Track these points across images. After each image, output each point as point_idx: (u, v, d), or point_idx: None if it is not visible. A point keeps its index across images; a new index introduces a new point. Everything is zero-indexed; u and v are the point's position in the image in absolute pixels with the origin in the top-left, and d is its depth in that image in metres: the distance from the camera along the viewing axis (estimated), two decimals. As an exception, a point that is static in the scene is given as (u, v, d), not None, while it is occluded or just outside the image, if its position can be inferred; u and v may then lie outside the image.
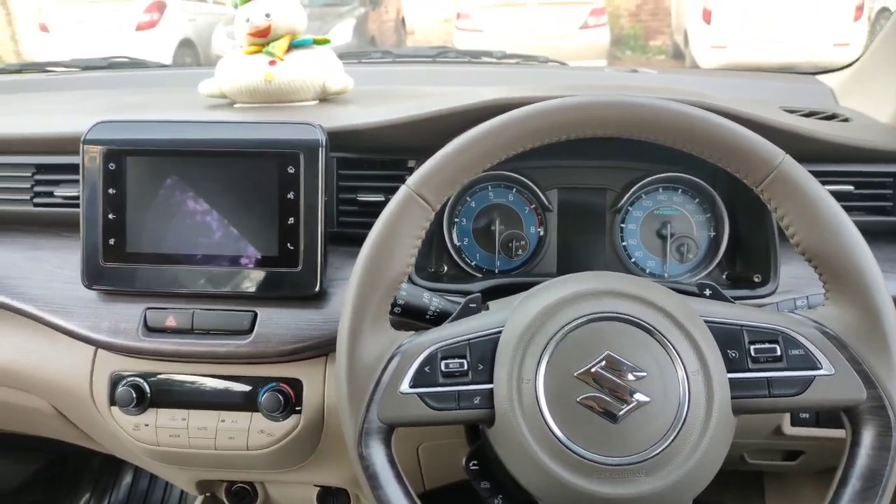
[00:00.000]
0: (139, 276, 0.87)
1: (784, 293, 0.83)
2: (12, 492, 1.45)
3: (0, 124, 1.02)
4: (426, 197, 0.65)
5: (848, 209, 0.63)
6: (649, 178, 0.94)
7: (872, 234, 0.67)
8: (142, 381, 0.89)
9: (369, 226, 0.87)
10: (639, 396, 0.60)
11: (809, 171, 0.63)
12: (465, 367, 0.63)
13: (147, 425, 0.89)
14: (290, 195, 0.85)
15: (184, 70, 1.71)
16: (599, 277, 0.67)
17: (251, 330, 0.85)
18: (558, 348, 0.61)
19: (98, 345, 0.89)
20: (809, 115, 0.98)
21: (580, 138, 0.66)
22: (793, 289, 0.84)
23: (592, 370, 0.60)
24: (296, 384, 0.88)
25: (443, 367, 0.63)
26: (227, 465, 0.94)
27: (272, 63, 1.01)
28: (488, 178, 0.97)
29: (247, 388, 0.88)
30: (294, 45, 1.03)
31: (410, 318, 0.77)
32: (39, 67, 1.55)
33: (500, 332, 0.64)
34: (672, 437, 0.59)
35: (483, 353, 0.63)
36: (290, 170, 0.85)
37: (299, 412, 0.88)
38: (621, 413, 0.59)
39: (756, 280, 0.86)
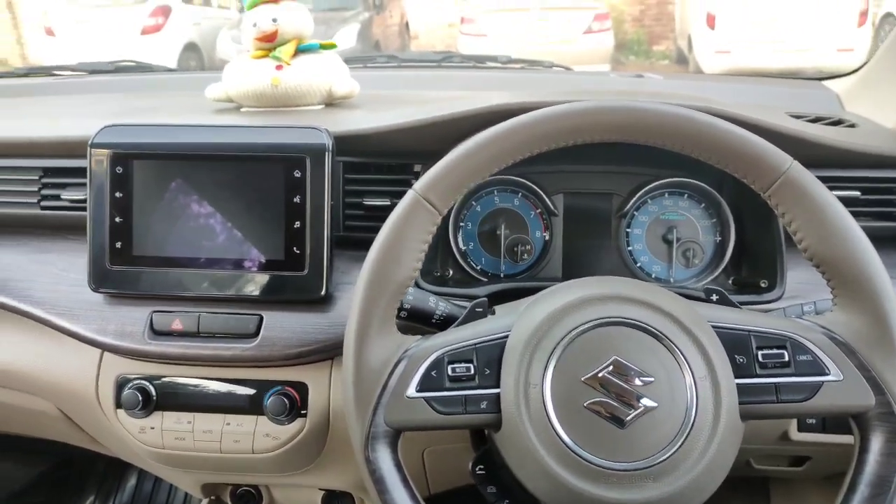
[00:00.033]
0: (145, 279, 0.87)
1: (790, 299, 0.83)
2: (17, 494, 1.45)
3: (8, 128, 1.02)
4: (433, 201, 0.65)
5: (854, 215, 0.63)
6: (655, 183, 0.95)
7: (879, 240, 0.67)
8: (148, 384, 0.89)
9: (375, 230, 0.87)
10: (646, 402, 0.59)
11: (816, 177, 0.63)
12: (472, 372, 0.63)
13: (153, 428, 0.89)
14: (297, 199, 0.85)
15: (190, 74, 1.72)
16: (606, 282, 0.67)
17: (257, 333, 0.86)
18: (565, 353, 0.61)
19: (104, 348, 0.89)
20: (815, 120, 0.98)
21: (587, 143, 0.66)
22: (799, 294, 0.84)
23: (600, 375, 0.60)
24: (301, 388, 0.88)
25: (449, 372, 0.63)
26: (232, 468, 0.94)
27: (279, 68, 1.01)
28: (494, 182, 0.97)
29: (252, 391, 0.88)
30: (301, 50, 1.03)
31: (416, 322, 0.77)
32: (46, 71, 1.56)
33: (506, 336, 0.64)
34: (680, 443, 0.59)
35: (490, 358, 0.63)
36: (297, 174, 0.85)
37: (305, 416, 0.88)
38: (629, 418, 0.59)
39: (763, 285, 0.86)
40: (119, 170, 0.87)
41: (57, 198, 0.96)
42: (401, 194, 0.89)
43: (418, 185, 0.66)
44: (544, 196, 0.96)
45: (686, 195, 0.96)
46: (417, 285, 0.84)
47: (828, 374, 0.61)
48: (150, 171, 0.87)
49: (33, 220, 0.98)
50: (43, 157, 0.97)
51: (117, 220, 0.87)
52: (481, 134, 0.66)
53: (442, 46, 8.44)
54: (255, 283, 0.86)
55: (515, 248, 0.96)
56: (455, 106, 0.89)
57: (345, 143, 0.88)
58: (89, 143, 0.87)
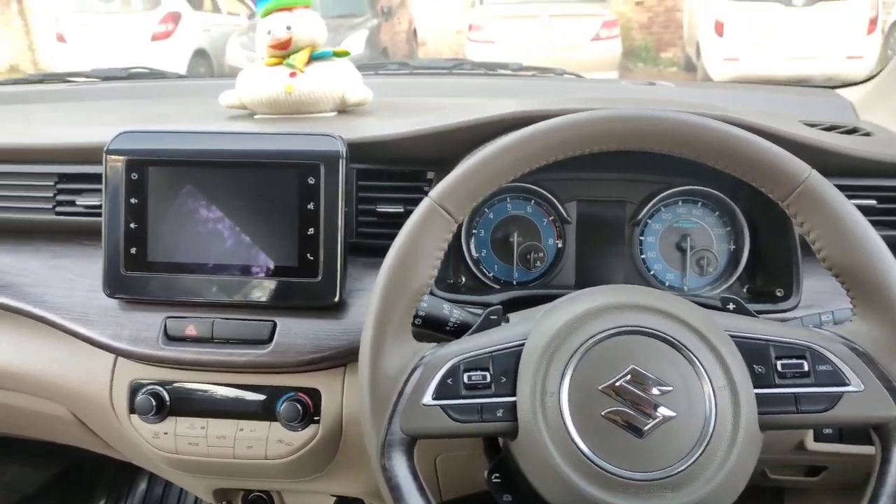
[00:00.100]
0: (160, 285, 0.88)
1: (805, 308, 0.83)
2: (29, 498, 1.46)
3: (24, 134, 1.03)
4: (449, 209, 0.65)
5: (871, 224, 0.63)
6: (669, 191, 0.94)
7: (896, 249, 0.67)
8: (161, 389, 0.89)
9: (388, 237, 0.87)
10: (664, 411, 0.59)
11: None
12: (488, 380, 0.63)
13: (166, 433, 0.89)
14: (311, 206, 0.85)
15: (202, 81, 1.73)
16: (623, 291, 0.67)
17: (271, 339, 0.86)
18: (582, 362, 0.61)
19: (118, 353, 0.89)
20: (830, 128, 0.98)
21: (603, 151, 0.66)
22: (815, 303, 0.83)
23: (617, 384, 0.60)
24: (314, 394, 0.88)
25: (465, 380, 0.63)
26: (245, 473, 0.94)
27: (293, 75, 1.02)
28: (507, 189, 0.97)
29: (265, 397, 0.89)
30: (314, 58, 1.04)
31: (431, 329, 0.77)
32: (60, 77, 1.57)
33: (522, 344, 0.64)
34: (698, 453, 0.58)
35: (506, 366, 0.63)
36: (311, 180, 0.85)
37: (318, 422, 0.88)
38: (647, 428, 0.59)
39: (778, 294, 0.85)
40: (134, 176, 0.88)
41: (72, 203, 0.97)
42: (414, 201, 0.89)
43: (434, 192, 0.66)
44: (557, 204, 0.96)
45: (700, 203, 0.95)
46: (431, 292, 0.85)
47: (848, 385, 0.61)
48: (165, 177, 0.88)
49: (48, 225, 0.99)
50: (58, 164, 0.98)
51: (132, 226, 0.87)
52: (498, 142, 0.66)
53: (450, 53, 8.47)
54: (268, 290, 0.86)
55: (528, 256, 0.95)
56: (468, 113, 0.89)
57: (358, 150, 0.89)
58: (105, 149, 0.88)
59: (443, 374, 0.63)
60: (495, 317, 0.71)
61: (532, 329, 0.65)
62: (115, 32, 6.79)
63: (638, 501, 0.57)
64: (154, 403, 0.88)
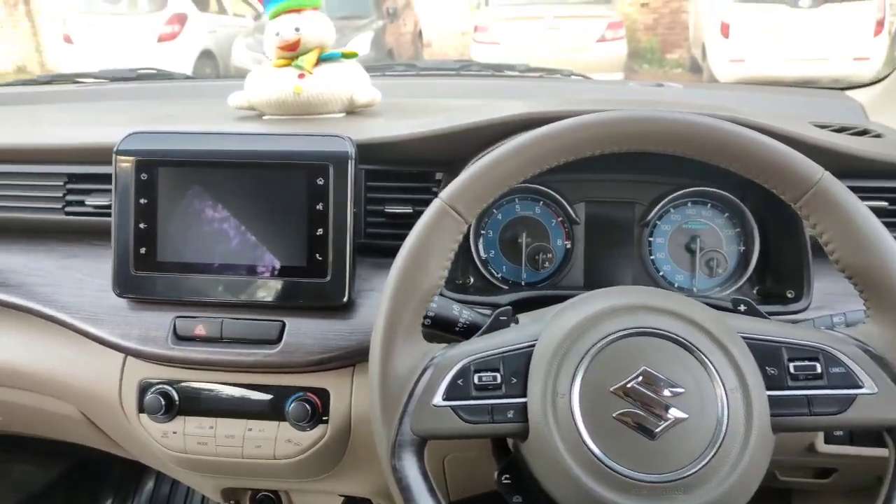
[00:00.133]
0: (169, 285, 0.88)
1: (816, 309, 0.82)
2: (35, 496, 1.47)
3: (34, 134, 1.04)
4: (459, 210, 0.65)
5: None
6: (678, 193, 0.94)
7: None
8: (170, 388, 0.90)
9: (397, 237, 0.87)
10: (676, 413, 0.59)
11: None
12: (499, 381, 0.63)
13: (175, 433, 0.90)
14: (320, 206, 0.85)
15: (210, 82, 1.74)
16: (634, 292, 0.67)
17: (279, 339, 0.86)
18: (593, 363, 0.61)
19: (128, 352, 0.89)
20: (840, 130, 0.97)
21: (613, 153, 0.66)
22: (825, 305, 0.83)
23: (628, 386, 0.60)
24: (323, 394, 0.88)
25: (476, 381, 0.63)
26: (253, 473, 0.94)
27: (301, 76, 1.02)
28: (515, 190, 0.97)
29: (274, 397, 0.89)
30: (323, 59, 1.04)
31: (440, 330, 0.77)
32: (69, 78, 1.58)
33: (533, 345, 0.64)
34: (711, 455, 0.58)
35: (516, 367, 0.63)
36: (320, 181, 0.86)
37: (326, 422, 0.88)
38: (658, 430, 0.59)
39: (789, 296, 0.85)
40: (144, 176, 0.88)
41: (81, 203, 0.97)
42: (422, 202, 0.90)
43: (445, 193, 0.66)
44: (566, 204, 0.96)
45: (709, 205, 0.95)
46: (440, 293, 0.85)
47: (862, 387, 0.61)
48: (174, 177, 0.88)
49: (58, 225, 0.99)
50: (68, 164, 0.98)
51: (141, 226, 0.88)
52: (509, 143, 0.66)
53: (455, 54, 8.47)
54: (277, 290, 0.86)
55: (537, 257, 0.95)
56: (477, 114, 0.89)
57: (367, 151, 0.89)
58: (115, 149, 0.88)
59: (453, 374, 0.63)
60: (505, 318, 0.71)
61: (542, 330, 0.65)
62: (121, 34, 6.82)
63: (649, 503, 0.57)
64: (163, 403, 0.88)
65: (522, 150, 0.65)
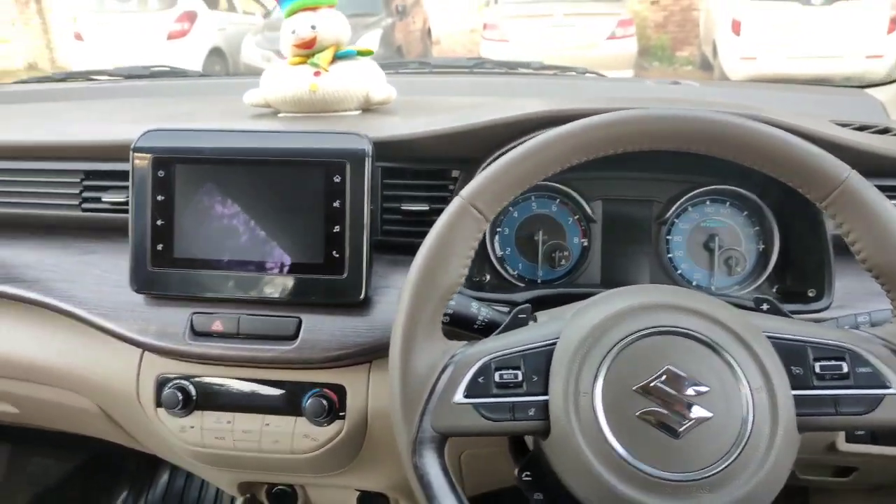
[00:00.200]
0: (186, 281, 0.88)
1: (837, 308, 0.82)
2: (52, 489, 1.48)
3: (51, 131, 1.04)
4: (480, 208, 0.65)
5: None
6: (697, 191, 0.94)
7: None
8: (188, 383, 0.90)
9: (413, 235, 0.87)
10: (701, 412, 0.59)
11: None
12: (520, 379, 0.63)
13: (193, 427, 0.90)
14: (337, 204, 0.86)
15: (224, 79, 1.74)
16: (657, 291, 0.66)
17: (296, 336, 0.86)
18: (616, 361, 0.61)
19: (146, 348, 0.90)
20: (861, 128, 0.97)
21: (635, 151, 0.65)
22: (846, 304, 0.82)
23: (652, 384, 0.60)
24: (339, 390, 0.88)
25: (497, 378, 0.63)
26: (270, 467, 0.95)
27: (317, 74, 1.02)
28: (532, 188, 0.96)
29: (291, 392, 0.89)
30: (338, 57, 1.04)
31: (458, 327, 0.77)
32: (84, 76, 1.59)
33: (554, 343, 0.64)
34: (736, 454, 0.58)
35: (537, 365, 0.63)
36: (337, 179, 0.86)
37: (343, 418, 0.88)
38: (683, 428, 0.59)
39: (810, 294, 0.84)
40: (161, 173, 0.88)
41: (98, 200, 0.97)
42: (439, 199, 0.90)
43: (465, 191, 0.66)
44: (583, 202, 0.96)
45: (728, 203, 0.95)
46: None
47: (889, 388, 0.60)
48: (191, 175, 0.88)
49: (75, 221, 1.00)
50: (84, 161, 0.98)
51: (159, 222, 0.88)
52: (531, 141, 0.65)
53: (464, 52, 8.47)
54: (294, 286, 0.87)
55: (553, 255, 0.95)
56: (494, 112, 0.89)
57: (384, 149, 0.89)
58: (132, 146, 0.89)
59: (474, 372, 0.63)
60: (524, 315, 0.71)
61: (563, 328, 0.64)
62: (131, 31, 6.85)
63: (674, 502, 0.57)
64: (181, 398, 0.88)
65: (545, 148, 0.64)
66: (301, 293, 0.86)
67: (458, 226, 0.65)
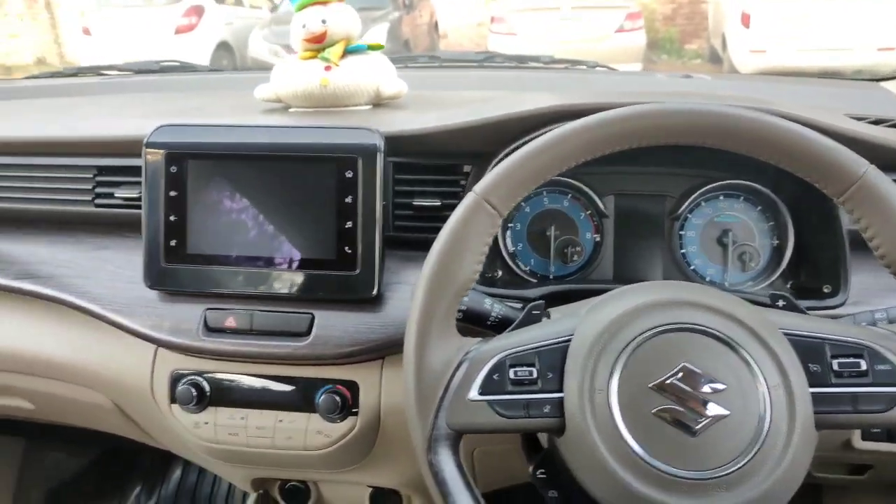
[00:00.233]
0: (199, 277, 0.88)
1: (852, 305, 0.81)
2: (66, 483, 1.49)
3: (64, 127, 1.04)
4: (494, 203, 0.65)
5: None
6: (710, 186, 0.93)
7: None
8: (202, 379, 0.90)
9: (425, 230, 0.87)
10: (718, 409, 0.59)
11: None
12: (535, 376, 0.62)
13: (207, 423, 0.90)
14: (349, 199, 0.85)
15: (234, 74, 1.74)
16: (672, 287, 0.66)
17: (309, 332, 0.86)
18: (632, 359, 0.61)
19: (159, 344, 0.90)
20: (877, 122, 0.96)
21: (652, 146, 0.65)
22: (861, 300, 0.82)
23: (668, 382, 0.60)
24: (352, 386, 0.88)
25: (511, 375, 0.62)
26: (284, 463, 0.95)
27: (328, 68, 1.01)
28: (543, 183, 0.96)
29: (304, 389, 0.89)
30: (349, 51, 1.03)
31: (471, 323, 0.76)
32: (94, 71, 1.59)
33: (568, 340, 0.63)
34: (753, 452, 0.58)
35: (552, 362, 0.63)
36: (349, 174, 0.85)
37: (356, 414, 0.88)
38: (699, 426, 0.58)
39: (826, 290, 0.84)
40: (174, 169, 0.88)
41: (111, 196, 0.97)
42: (450, 195, 0.90)
43: (479, 186, 0.66)
44: (595, 197, 0.95)
45: (742, 198, 0.94)
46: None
47: None
48: (204, 170, 0.88)
49: (88, 217, 1.00)
50: (97, 156, 0.99)
51: (172, 218, 0.88)
52: (544, 136, 0.65)
53: (471, 45, 8.44)
54: (307, 282, 0.87)
55: (565, 250, 0.95)
56: (506, 107, 0.88)
57: (395, 144, 0.89)
58: (144, 142, 0.89)
59: (489, 369, 0.63)
60: (538, 312, 0.71)
61: (578, 325, 0.64)
62: (139, 26, 6.86)
63: (691, 500, 0.57)
64: (195, 394, 0.89)
65: (560, 143, 0.64)
66: (313, 289, 0.86)
67: (472, 221, 0.65)
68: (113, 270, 0.95)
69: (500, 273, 0.97)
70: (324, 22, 1.01)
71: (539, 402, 0.62)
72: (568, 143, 0.64)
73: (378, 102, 1.07)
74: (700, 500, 0.57)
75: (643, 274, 0.94)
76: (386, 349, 0.86)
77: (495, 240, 0.96)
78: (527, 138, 0.84)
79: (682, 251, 0.95)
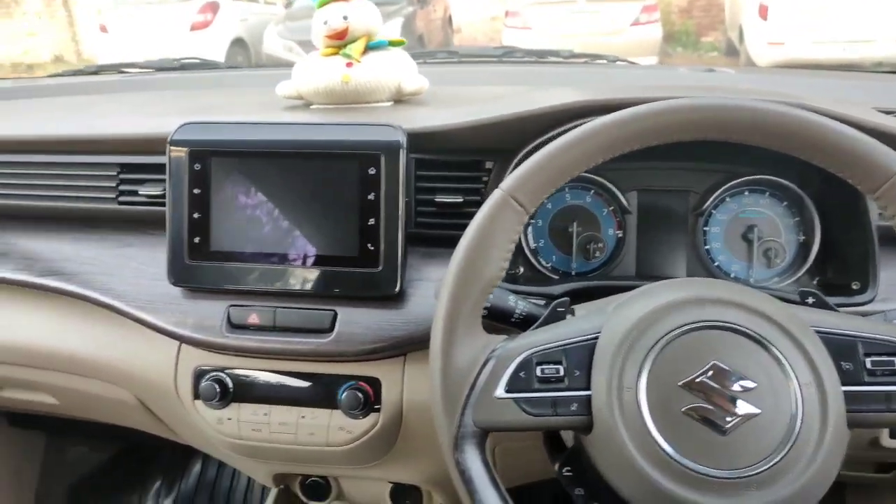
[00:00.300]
0: (223, 273, 0.89)
1: (881, 301, 0.80)
2: (87, 477, 1.51)
3: (87, 125, 1.05)
4: (521, 200, 0.65)
5: None
6: (735, 181, 0.92)
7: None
8: (225, 376, 0.91)
9: (447, 227, 0.87)
10: (748, 408, 0.58)
11: None
12: (561, 374, 0.62)
13: (230, 419, 0.91)
14: (371, 196, 0.85)
15: (254, 71, 1.75)
16: (701, 284, 0.65)
17: (332, 329, 0.86)
18: (660, 356, 0.60)
19: (183, 340, 0.91)
20: None
21: (682, 141, 0.64)
22: (890, 296, 0.81)
23: (698, 380, 0.59)
24: (375, 383, 0.88)
25: (538, 373, 0.62)
26: (306, 459, 0.95)
27: (349, 65, 1.01)
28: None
29: (327, 385, 0.89)
30: (370, 47, 1.03)
31: (496, 320, 0.76)
32: (115, 68, 1.60)
33: (595, 338, 0.63)
34: (785, 451, 0.57)
35: (579, 360, 0.62)
36: (371, 171, 0.85)
37: (378, 410, 0.89)
38: (730, 425, 0.58)
39: (854, 287, 0.83)
40: (197, 166, 0.89)
41: (134, 193, 0.98)
42: (472, 191, 0.90)
43: (506, 183, 0.65)
44: (618, 193, 0.94)
45: (767, 193, 0.93)
46: None
47: None
48: (227, 167, 0.89)
49: (112, 214, 1.01)
50: (120, 154, 0.99)
51: (195, 215, 0.89)
52: (573, 132, 0.65)
53: (485, 40, 8.41)
54: (329, 279, 0.87)
55: (588, 246, 0.94)
56: (529, 103, 0.88)
57: (417, 140, 0.88)
58: (168, 140, 0.89)
59: (515, 367, 0.62)
60: (562, 309, 0.70)
61: (605, 322, 0.64)
62: (155, 23, 6.91)
63: (722, 499, 0.56)
64: (218, 390, 0.89)
65: (588, 139, 0.63)
66: (336, 286, 0.87)
67: (498, 218, 0.64)
68: (137, 267, 0.96)
69: (521, 270, 0.97)
70: (345, 18, 1.01)
71: (566, 400, 0.61)
72: (597, 139, 0.63)
73: (399, 99, 1.07)
74: (730, 500, 0.56)
75: (666, 270, 0.94)
76: (408, 346, 0.86)
77: (517, 236, 0.95)
78: (551, 134, 0.83)
79: (707, 247, 0.94)
